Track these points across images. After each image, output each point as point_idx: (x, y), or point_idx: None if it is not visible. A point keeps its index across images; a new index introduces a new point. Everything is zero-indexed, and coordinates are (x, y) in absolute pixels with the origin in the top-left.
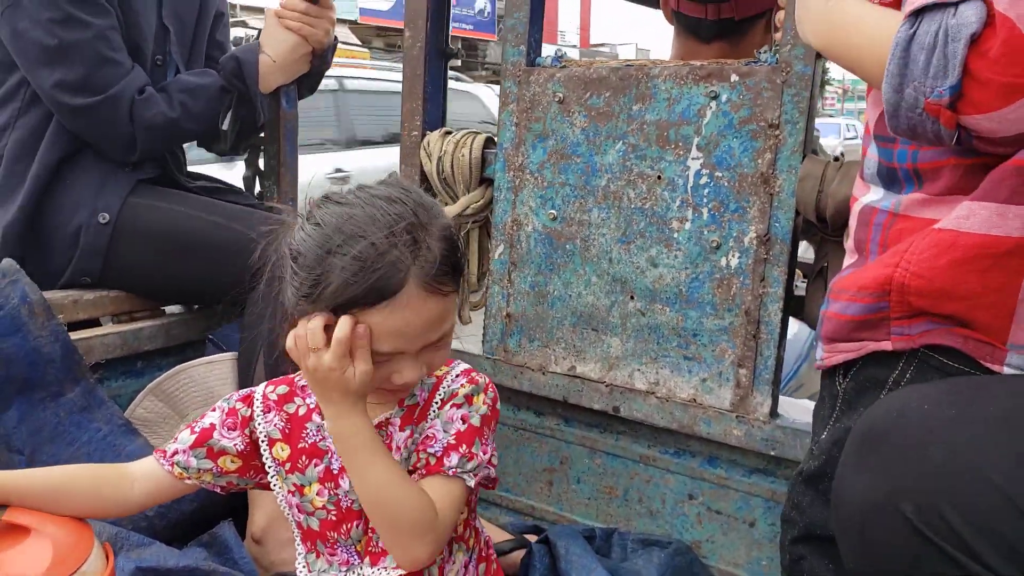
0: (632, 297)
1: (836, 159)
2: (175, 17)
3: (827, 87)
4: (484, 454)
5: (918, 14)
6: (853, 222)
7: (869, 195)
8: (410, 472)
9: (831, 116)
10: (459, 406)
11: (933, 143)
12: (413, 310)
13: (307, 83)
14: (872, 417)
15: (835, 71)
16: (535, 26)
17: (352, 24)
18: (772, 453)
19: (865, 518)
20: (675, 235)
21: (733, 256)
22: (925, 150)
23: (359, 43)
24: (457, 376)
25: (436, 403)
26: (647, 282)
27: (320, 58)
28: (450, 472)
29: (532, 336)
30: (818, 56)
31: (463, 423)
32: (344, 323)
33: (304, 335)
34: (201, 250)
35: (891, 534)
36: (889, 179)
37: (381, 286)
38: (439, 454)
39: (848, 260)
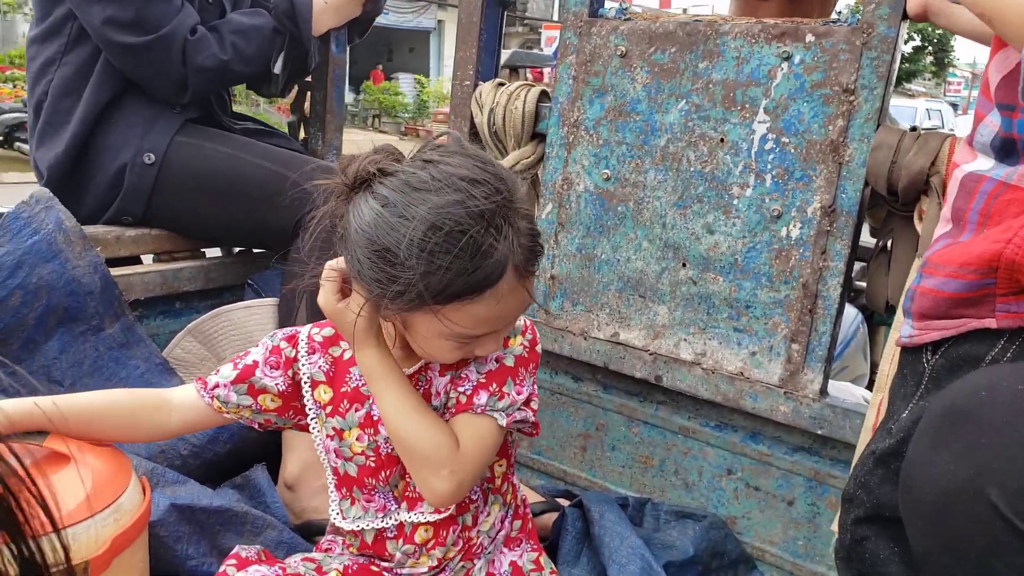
0: (684, 264)
1: (913, 129)
2: None
3: (953, 70)
4: (518, 394)
5: None
6: (954, 188)
7: (976, 163)
8: (444, 413)
9: (954, 104)
10: (501, 358)
11: None
12: (511, 297)
13: (357, 28)
14: (955, 393)
15: (965, 53)
16: None
17: None
18: (819, 432)
19: (942, 501)
20: (735, 202)
21: (794, 227)
22: None
23: None
24: None
25: None
26: (701, 249)
27: (373, 2)
28: (478, 410)
29: (576, 300)
30: (904, 18)
31: (496, 363)
32: (334, 261)
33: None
34: (246, 192)
35: (971, 519)
36: (1004, 150)
37: (483, 279)
38: (468, 392)
39: (941, 228)
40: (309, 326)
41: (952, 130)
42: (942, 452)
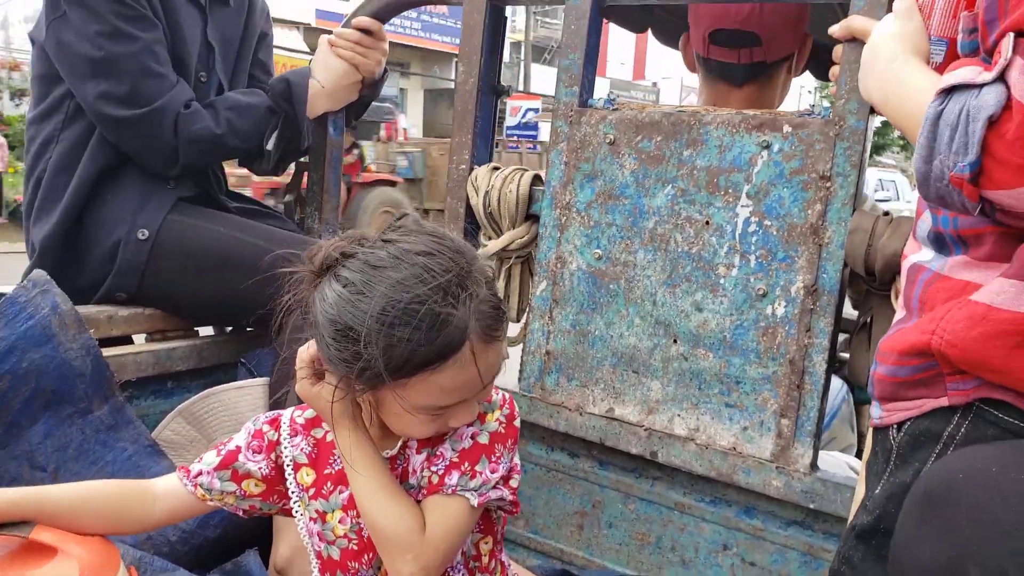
0: (675, 341)
1: (885, 214)
2: (220, 35)
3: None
4: (492, 472)
5: (948, 92)
6: (903, 279)
7: (919, 254)
8: (419, 492)
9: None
10: (470, 424)
11: (961, 212)
12: (476, 363)
13: (354, 111)
14: (934, 476)
15: None
16: (589, 67)
17: (307, 28)
18: (811, 506)
19: None
20: (721, 281)
21: (779, 305)
22: (964, 217)
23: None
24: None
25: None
26: (691, 326)
27: (370, 87)
28: (449, 491)
29: (571, 375)
30: (872, 111)
31: (471, 440)
32: (304, 347)
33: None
34: (239, 271)
35: None
36: (938, 242)
37: (444, 347)
38: (441, 472)
39: (897, 315)
40: (292, 409)
41: (908, 202)
42: (926, 533)
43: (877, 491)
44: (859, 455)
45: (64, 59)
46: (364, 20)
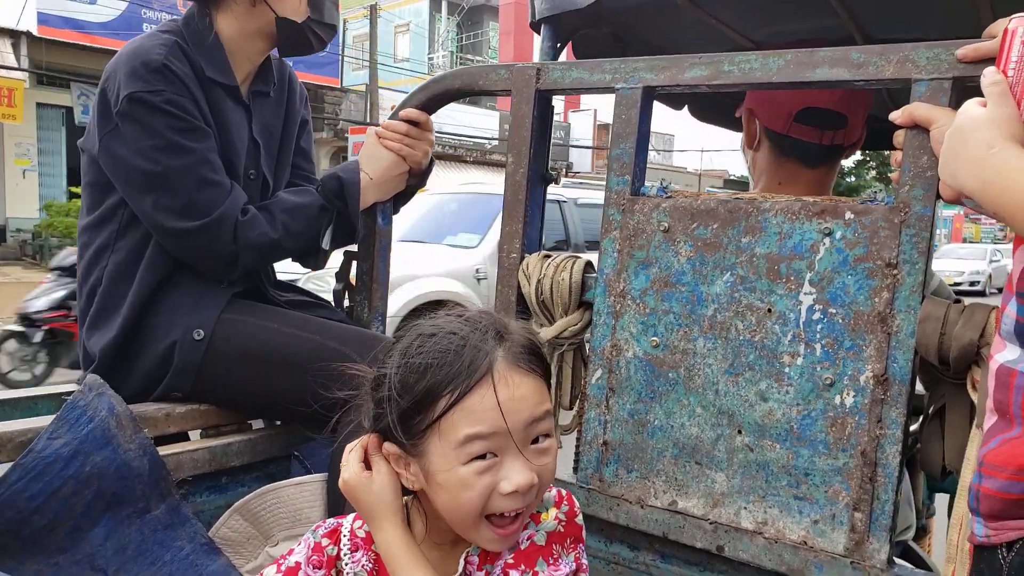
0: (740, 431)
1: (957, 301)
2: (263, 129)
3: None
4: (554, 572)
5: None
6: (991, 381)
7: (1005, 353)
8: None
9: None
10: (556, 561)
11: None
12: (506, 385)
13: (402, 200)
14: None
15: None
16: (641, 155)
17: (30, 37)
18: None
19: None
20: (786, 370)
21: (848, 395)
22: None
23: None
24: (549, 508)
25: (524, 542)
26: (756, 416)
27: (417, 177)
28: None
29: (630, 467)
30: (937, 197)
31: (528, 542)
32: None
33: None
34: (296, 367)
35: None
36: None
37: (469, 366)
38: (497, 575)
39: (989, 421)
40: (351, 518)
41: None
42: None
43: None
44: (916, 536)
45: (119, 172)
46: (412, 112)
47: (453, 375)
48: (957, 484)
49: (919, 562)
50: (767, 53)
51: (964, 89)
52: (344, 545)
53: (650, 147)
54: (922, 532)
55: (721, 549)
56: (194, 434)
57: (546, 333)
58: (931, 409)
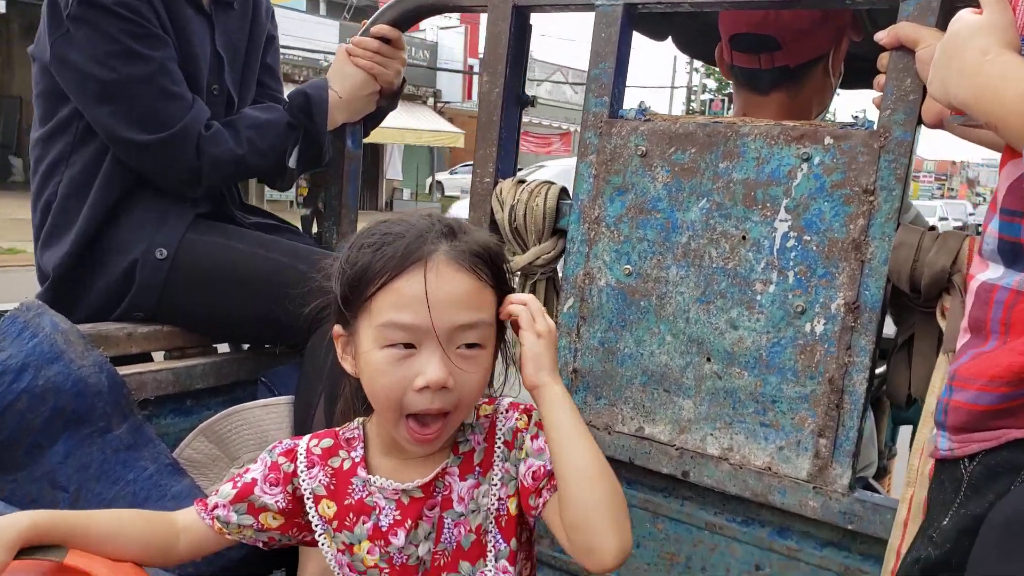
0: (708, 359)
1: (932, 228)
2: (228, 44)
3: None
4: (536, 443)
5: None
6: (970, 299)
7: (987, 272)
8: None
9: None
10: (535, 437)
11: None
12: (440, 276)
13: (371, 122)
14: (1016, 506)
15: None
16: (620, 77)
17: None
18: (850, 527)
19: None
20: (758, 297)
21: (819, 322)
22: None
23: None
24: (508, 411)
25: (500, 446)
26: (725, 344)
27: (388, 97)
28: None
29: (599, 394)
30: (919, 123)
31: (510, 434)
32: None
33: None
34: (260, 288)
35: None
36: (1012, 255)
37: (405, 249)
38: (528, 462)
39: (963, 338)
40: (307, 437)
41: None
42: (1012, 563)
43: (946, 523)
44: (878, 475)
45: (72, 80)
46: (383, 28)
47: (387, 257)
48: (921, 414)
49: None
50: None
51: (951, 9)
52: (300, 462)
53: (570, 83)
54: (883, 472)
55: (686, 474)
56: (158, 356)
57: (519, 260)
58: (899, 339)
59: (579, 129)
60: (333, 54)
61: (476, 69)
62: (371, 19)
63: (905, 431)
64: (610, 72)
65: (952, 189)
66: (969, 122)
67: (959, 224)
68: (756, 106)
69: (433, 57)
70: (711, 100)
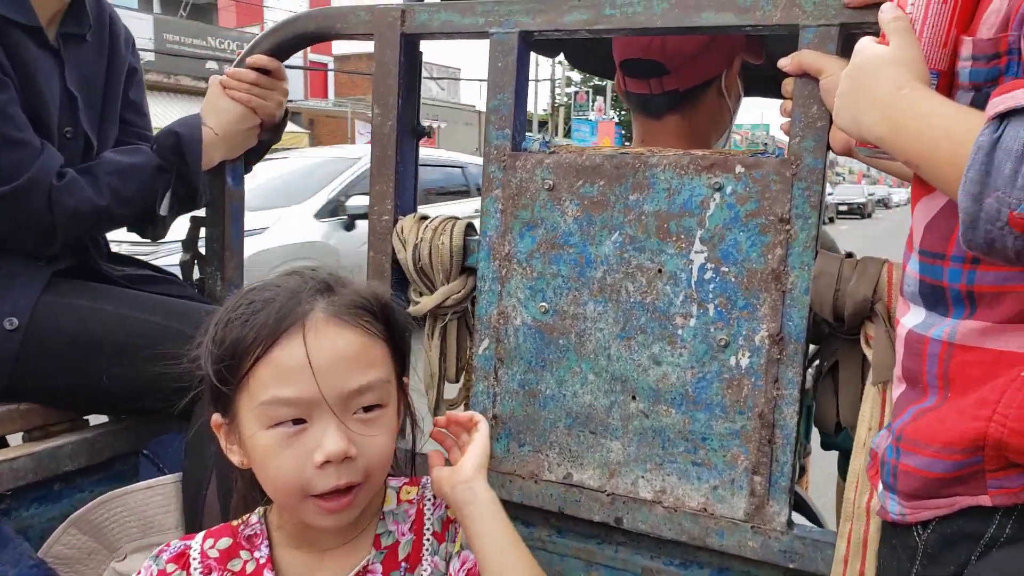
0: (634, 397)
1: (849, 255)
2: (82, 80)
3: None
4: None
5: (1003, 118)
6: (900, 346)
7: (910, 316)
8: None
9: None
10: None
11: (1012, 263)
12: (321, 336)
13: (254, 156)
14: None
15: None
16: (520, 108)
17: None
18: (791, 566)
19: None
20: (679, 332)
21: (743, 355)
22: (985, 271)
23: None
24: (436, 499)
25: (428, 538)
26: (650, 381)
27: (270, 131)
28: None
29: (522, 440)
30: (828, 149)
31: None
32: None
33: None
34: (133, 354)
35: None
36: (933, 299)
37: (279, 316)
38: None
39: (897, 389)
40: (201, 537)
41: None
42: None
43: None
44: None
45: None
46: (261, 59)
47: (259, 326)
48: (849, 440)
49: (801, 504)
50: None
51: (849, 36)
52: (195, 570)
53: (433, 80)
54: (800, 471)
55: (619, 521)
56: (15, 439)
57: (427, 302)
58: (822, 366)
59: (442, 126)
60: (151, 51)
61: (325, 65)
62: (246, 49)
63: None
64: (509, 103)
65: None
66: (877, 154)
67: (859, 202)
68: (653, 130)
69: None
70: (576, 92)
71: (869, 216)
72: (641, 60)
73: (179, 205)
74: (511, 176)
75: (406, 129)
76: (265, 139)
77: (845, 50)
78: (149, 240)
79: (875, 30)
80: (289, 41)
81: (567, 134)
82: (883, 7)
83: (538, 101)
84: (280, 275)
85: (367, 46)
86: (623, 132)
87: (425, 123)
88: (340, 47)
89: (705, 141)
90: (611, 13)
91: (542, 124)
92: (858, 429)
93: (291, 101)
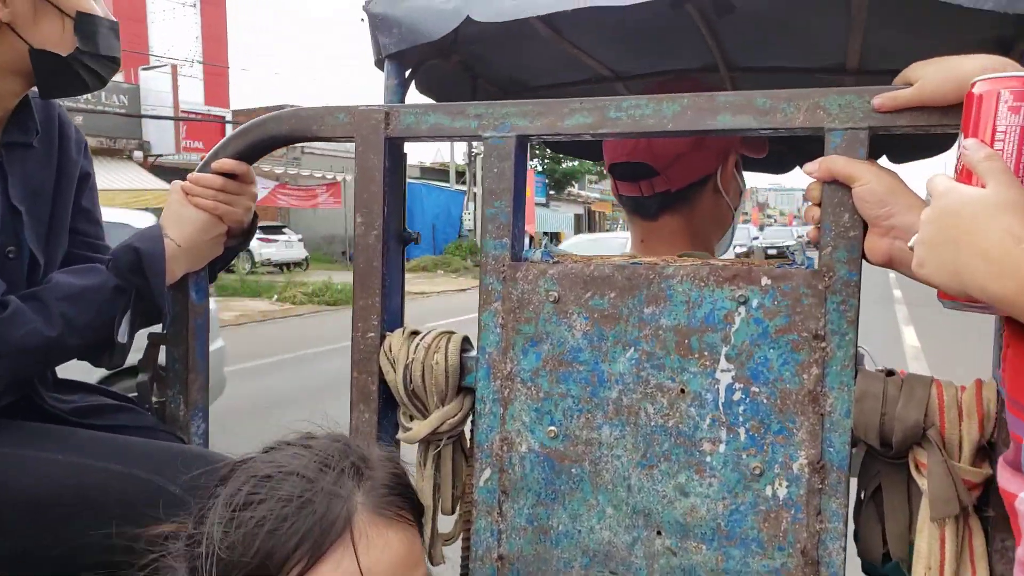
0: (659, 532)
1: (890, 373)
2: (28, 192)
3: None
4: None
5: None
6: (1017, 518)
7: None
8: None
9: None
10: None
11: None
12: (370, 546)
13: (218, 265)
14: None
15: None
16: (519, 215)
17: None
18: None
19: None
20: (707, 459)
21: (780, 485)
22: None
23: None
24: None
25: None
26: (676, 515)
27: (238, 238)
28: None
29: None
30: (864, 257)
31: None
32: None
33: None
34: (92, 512)
35: None
36: None
37: (322, 522)
38: None
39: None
40: None
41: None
42: None
43: None
44: None
45: None
46: (228, 163)
47: (299, 535)
48: (899, 572)
49: None
50: (660, 98)
51: (880, 140)
52: None
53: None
54: None
55: None
56: None
57: (420, 429)
58: (865, 492)
59: (348, 178)
60: None
61: (222, 118)
62: (211, 152)
63: None
64: (507, 211)
65: (745, 213)
66: (968, 307)
67: (742, 248)
68: (650, 232)
69: (135, 103)
70: None
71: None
72: (628, 163)
73: (139, 327)
74: (511, 288)
75: (393, 237)
76: (233, 245)
77: (874, 154)
78: (106, 368)
79: (903, 132)
80: (260, 144)
81: None
82: (968, 143)
83: (454, 149)
84: (292, 451)
85: (268, 98)
86: (547, 181)
87: (331, 176)
88: (240, 101)
89: (706, 240)
90: (617, 116)
91: (460, 174)
92: (914, 569)
93: (159, 155)
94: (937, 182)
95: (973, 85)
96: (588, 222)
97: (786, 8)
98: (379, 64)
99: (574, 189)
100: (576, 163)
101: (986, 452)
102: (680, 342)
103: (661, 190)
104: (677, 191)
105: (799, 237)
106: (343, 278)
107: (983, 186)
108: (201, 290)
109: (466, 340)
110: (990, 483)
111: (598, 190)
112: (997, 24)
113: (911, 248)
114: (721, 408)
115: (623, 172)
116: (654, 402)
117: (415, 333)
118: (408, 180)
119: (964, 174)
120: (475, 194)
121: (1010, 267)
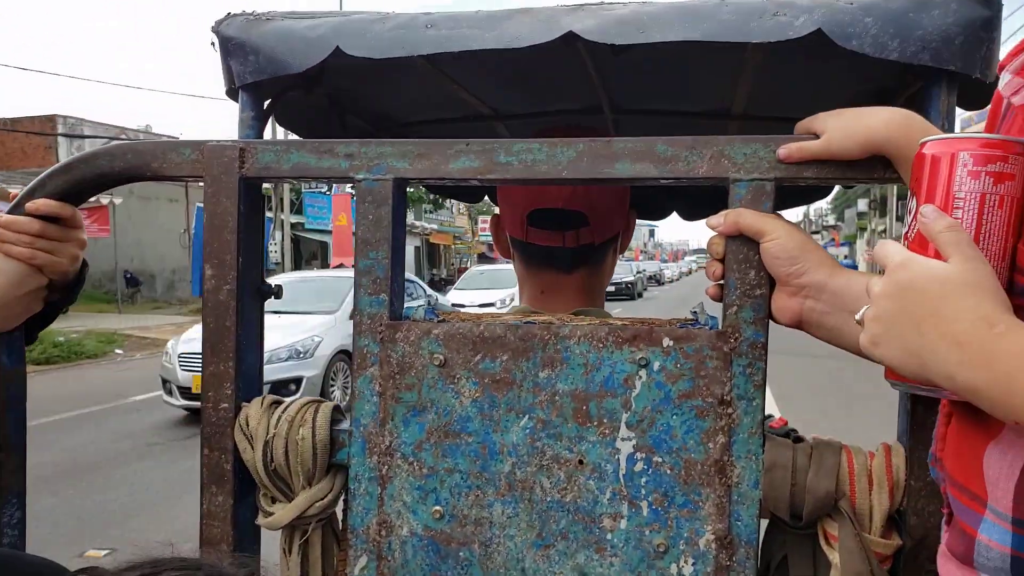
0: None
1: (797, 440)
2: None
3: None
4: None
5: None
6: None
7: None
8: None
9: None
10: None
11: None
12: None
13: (41, 323)
14: None
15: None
16: (398, 268)
17: None
18: None
19: None
20: (608, 536)
21: (686, 563)
22: None
23: None
24: None
25: None
26: None
27: (62, 290)
28: None
29: None
30: (770, 317)
31: None
32: None
33: None
34: None
35: None
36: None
37: None
38: None
39: None
40: None
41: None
42: None
43: None
44: None
45: None
46: (48, 204)
47: None
48: None
49: None
50: (554, 142)
51: (784, 192)
52: None
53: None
54: None
55: None
56: None
57: (284, 514)
58: (772, 562)
59: (116, 201)
60: None
61: None
62: (24, 191)
63: None
64: (385, 263)
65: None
66: (919, 390)
67: (628, 280)
68: (557, 284)
69: None
70: None
71: (640, 296)
72: (561, 210)
73: None
74: (390, 351)
75: (249, 291)
76: (56, 299)
77: (779, 206)
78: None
79: (808, 184)
80: (87, 182)
81: (298, 210)
82: (926, 211)
83: None
84: None
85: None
86: None
87: (101, 199)
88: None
89: (600, 296)
90: (507, 161)
91: (268, 198)
92: None
93: None
94: (891, 251)
95: (923, 145)
96: (427, 255)
97: (680, 51)
98: (231, 94)
99: (410, 220)
100: (409, 190)
101: (894, 522)
102: (578, 408)
103: (586, 242)
104: (598, 244)
105: (639, 272)
106: (111, 323)
107: (943, 259)
108: (15, 353)
109: (336, 410)
110: (899, 554)
111: (436, 220)
112: (886, 74)
113: (859, 322)
114: (622, 480)
115: (548, 220)
116: (550, 475)
117: (277, 403)
118: (199, 204)
119: (918, 242)
120: (282, 221)
121: (983, 357)
